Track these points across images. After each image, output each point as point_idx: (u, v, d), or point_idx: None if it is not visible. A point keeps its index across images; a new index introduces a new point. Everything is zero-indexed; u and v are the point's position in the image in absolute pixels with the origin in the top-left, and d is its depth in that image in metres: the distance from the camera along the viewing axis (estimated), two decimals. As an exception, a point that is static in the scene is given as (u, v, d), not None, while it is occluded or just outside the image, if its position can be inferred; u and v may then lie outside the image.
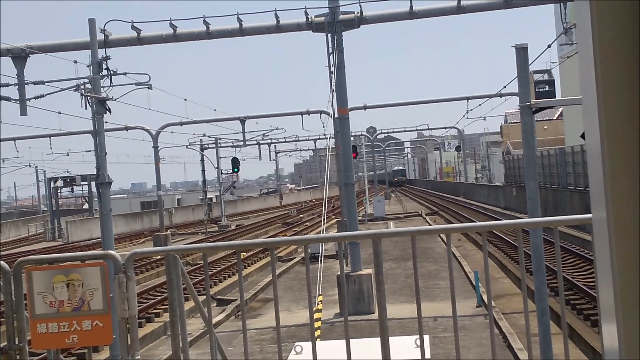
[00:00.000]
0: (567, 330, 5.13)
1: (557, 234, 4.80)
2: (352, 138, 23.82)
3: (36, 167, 77.01)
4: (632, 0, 1.25)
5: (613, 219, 1.27)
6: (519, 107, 10.32)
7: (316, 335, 12.19)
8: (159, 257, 25.64)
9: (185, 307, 5.27)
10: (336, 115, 18.03)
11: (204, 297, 5.15)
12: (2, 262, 4.97)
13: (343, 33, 17.48)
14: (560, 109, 63.40)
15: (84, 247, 40.61)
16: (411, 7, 17.43)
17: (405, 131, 62.06)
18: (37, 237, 56.33)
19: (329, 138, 19.83)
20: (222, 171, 54.99)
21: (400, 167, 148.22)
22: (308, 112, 37.03)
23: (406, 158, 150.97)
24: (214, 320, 16.33)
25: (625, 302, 1.26)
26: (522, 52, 10.08)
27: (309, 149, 77.04)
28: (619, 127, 1.26)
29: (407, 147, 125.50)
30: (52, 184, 56.31)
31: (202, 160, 53.87)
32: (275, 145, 64.50)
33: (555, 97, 44.84)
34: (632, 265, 1.26)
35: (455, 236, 29.70)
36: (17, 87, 17.73)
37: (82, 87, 16.92)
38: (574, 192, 30.15)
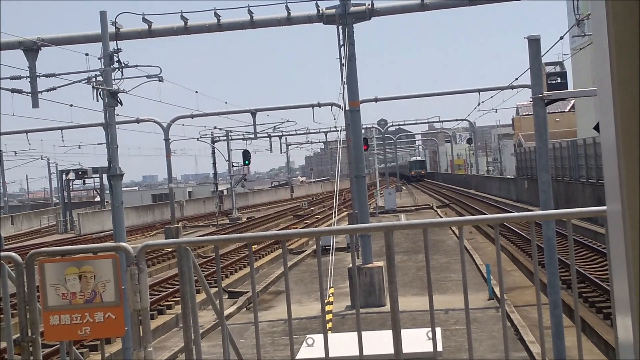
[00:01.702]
0: (580, 323, 5.12)
1: (570, 227, 4.77)
2: (363, 130, 23.79)
3: (48, 159, 77.37)
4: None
5: (628, 211, 1.26)
6: (531, 99, 10.27)
7: (327, 328, 12.22)
8: (170, 249, 25.71)
9: (197, 299, 5.28)
10: (347, 108, 18.00)
11: (216, 289, 5.16)
12: (14, 254, 4.99)
13: (354, 25, 17.44)
14: (572, 101, 63.15)
15: (95, 239, 40.78)
16: (422, -2, 17.38)
17: (416, 123, 61.89)
18: (49, 230, 56.60)
19: (340, 130, 19.80)
20: (233, 164, 55.08)
21: (420, 158, 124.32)
22: (319, 105, 37.00)
23: (417, 150, 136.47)
24: (226, 312, 16.36)
25: (640, 295, 1.25)
26: (534, 43, 10.02)
27: (319, 142, 77.10)
28: (634, 120, 1.25)
29: (418, 140, 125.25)
30: (64, 176, 56.54)
31: (213, 153, 53.97)
32: (286, 138, 64.47)
33: (567, 89, 44.61)
34: (647, 258, 1.25)
35: (466, 229, 29.63)
36: (29, 79, 17.79)
37: (93, 79, 16.97)
38: (586, 184, 30.02)
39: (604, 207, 1.42)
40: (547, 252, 9.33)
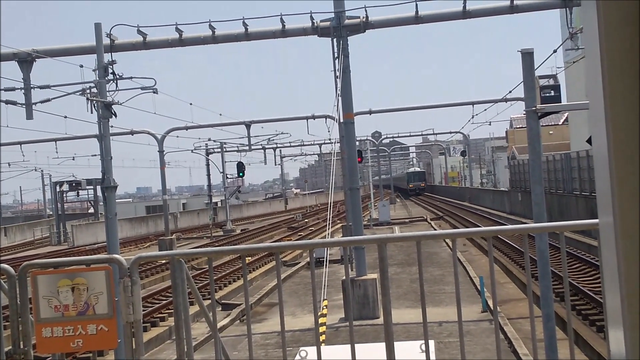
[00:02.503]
0: (573, 335, 5.12)
1: (563, 239, 4.79)
2: (357, 143, 23.81)
3: (42, 171, 77.31)
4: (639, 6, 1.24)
5: (620, 224, 1.26)
6: (524, 112, 10.31)
7: (321, 340, 12.18)
8: (164, 261, 25.66)
9: (190, 312, 5.27)
10: (341, 120, 18.02)
11: (209, 301, 5.15)
12: (7, 266, 4.98)
13: (349, 38, 17.49)
14: (565, 114, 63.36)
15: (89, 251, 40.66)
16: (417, 12, 17.44)
17: (410, 136, 61.75)
18: (42, 241, 56.44)
19: (334, 143, 19.82)
20: (228, 175, 55.04)
21: (418, 169, 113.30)
22: (313, 117, 37.06)
23: (412, 161, 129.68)
24: (219, 324, 16.32)
25: (632, 307, 1.26)
26: (527, 57, 10.07)
27: (314, 154, 77.12)
28: (626, 133, 1.26)
29: (413, 152, 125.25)
30: (57, 188, 56.49)
31: (208, 165, 53.97)
32: (280, 150, 64.53)
33: (560, 102, 44.79)
34: (638, 270, 1.26)
35: (460, 241, 29.65)
36: (23, 91, 17.77)
37: (88, 91, 16.97)
38: (580, 197, 30.09)
39: (597, 220, 1.42)
40: (540, 265, 9.34)
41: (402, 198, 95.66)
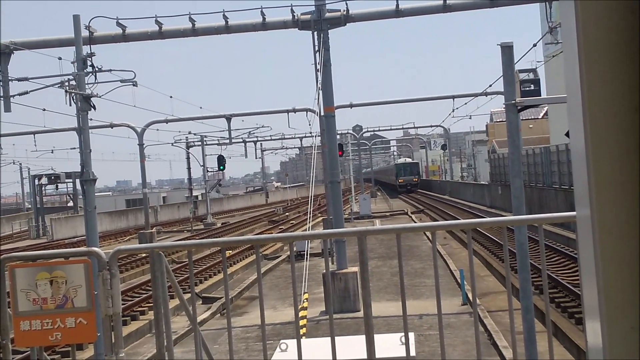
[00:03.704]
0: (552, 328, 5.15)
1: (542, 232, 4.82)
2: (338, 136, 23.83)
3: (20, 164, 76.70)
4: (616, 0, 1.25)
5: (597, 217, 1.27)
6: (504, 106, 10.35)
7: (301, 333, 12.19)
8: (143, 254, 25.56)
9: (170, 305, 5.26)
10: (322, 113, 18.02)
11: (189, 294, 5.14)
12: (-15, 259, 4.94)
13: (329, 31, 17.47)
14: (545, 108, 63.71)
15: (68, 244, 40.41)
16: (397, 5, 17.46)
17: (391, 129, 61.44)
18: (21, 235, 56.04)
19: (315, 136, 19.82)
20: (208, 169, 54.90)
21: (410, 160, 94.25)
22: (294, 110, 37.02)
23: (392, 156, 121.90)
24: (199, 318, 16.30)
25: (609, 300, 1.27)
26: (507, 50, 10.10)
27: (295, 147, 77.02)
28: (603, 127, 1.26)
29: (394, 146, 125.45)
30: (36, 181, 56.05)
31: (188, 158, 53.77)
32: (261, 143, 64.30)
33: (540, 96, 45.02)
34: (615, 263, 1.27)
35: (440, 234, 29.77)
36: (1, 83, 17.61)
37: (66, 84, 16.84)
38: (559, 190, 30.28)
39: (574, 213, 1.43)
40: (519, 258, 9.39)
41: (383, 192, 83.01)
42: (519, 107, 10.13)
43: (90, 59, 16.67)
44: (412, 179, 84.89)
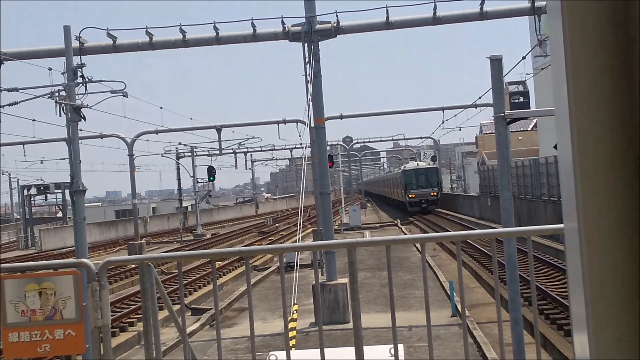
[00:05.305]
0: (541, 339, 5.16)
1: (530, 244, 4.83)
2: (328, 147, 23.84)
3: (9, 174, 76.55)
4: (603, 15, 1.26)
5: (584, 229, 1.28)
6: (493, 118, 10.39)
7: (291, 345, 12.15)
8: (133, 265, 25.46)
9: (160, 317, 5.24)
10: (312, 125, 18.04)
11: (178, 306, 5.13)
12: (-27, 270, 4.91)
13: (320, 43, 17.51)
14: (534, 120, 63.96)
15: (57, 255, 40.24)
16: (387, 17, 17.52)
17: (381, 141, 60.33)
18: (9, 246, 55.74)
19: (305, 147, 19.84)
20: (198, 180, 54.82)
21: (427, 164, 63.66)
22: (284, 121, 37.03)
23: (382, 167, 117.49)
24: (188, 329, 16.23)
25: (596, 312, 1.27)
26: (496, 63, 10.15)
27: (285, 158, 76.99)
28: (590, 139, 1.27)
29: (383, 157, 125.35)
30: (25, 191, 55.87)
31: (178, 169, 53.65)
32: (251, 154, 64.41)
33: (529, 108, 45.20)
34: (603, 275, 1.28)
35: (430, 246, 29.80)
36: (-10, 93, 17.57)
37: (56, 94, 16.82)
38: (548, 202, 30.38)
39: (562, 225, 1.44)
40: (508, 269, 9.40)
41: (373, 203, 72.24)
42: (508, 120, 10.17)
43: (80, 69, 16.66)
44: (430, 193, 58.37)
